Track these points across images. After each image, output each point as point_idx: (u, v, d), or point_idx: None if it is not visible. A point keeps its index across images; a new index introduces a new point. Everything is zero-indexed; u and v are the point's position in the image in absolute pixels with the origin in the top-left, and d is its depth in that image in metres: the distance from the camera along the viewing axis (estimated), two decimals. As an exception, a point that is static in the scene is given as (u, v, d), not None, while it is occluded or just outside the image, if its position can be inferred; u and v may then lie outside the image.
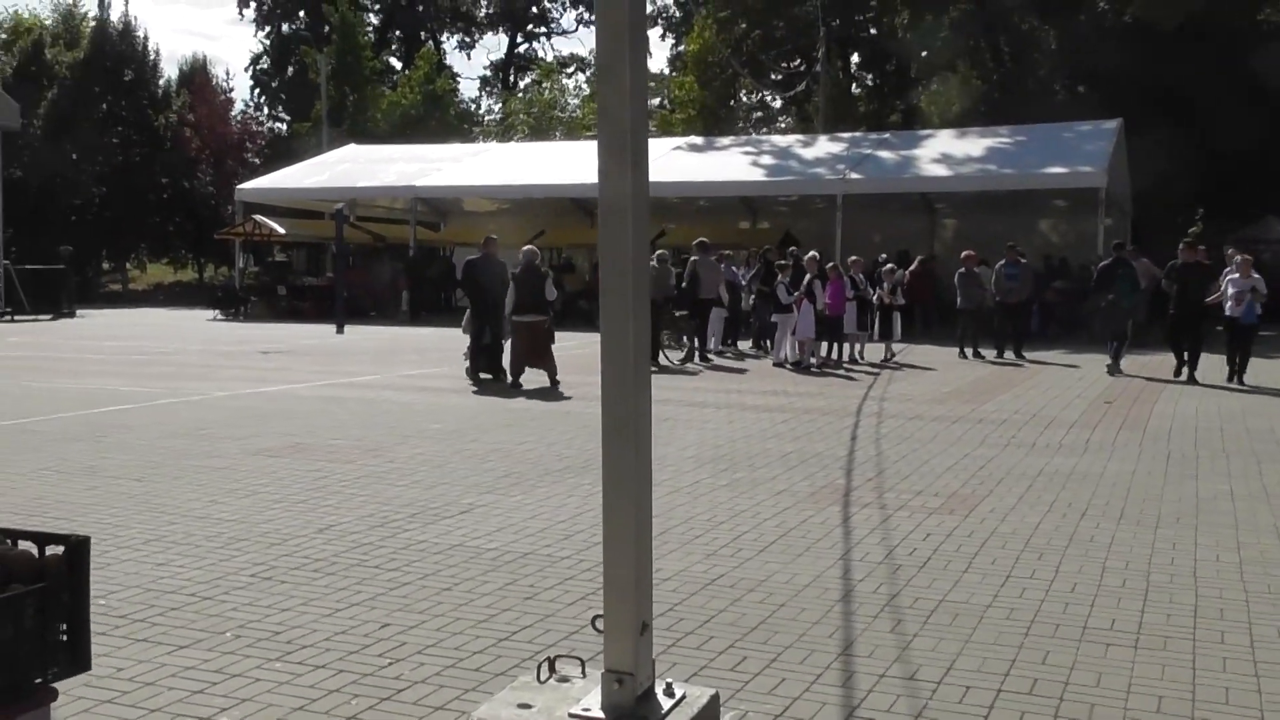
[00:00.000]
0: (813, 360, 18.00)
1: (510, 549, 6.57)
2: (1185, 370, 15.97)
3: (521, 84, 66.67)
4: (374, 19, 62.78)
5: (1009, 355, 19.44)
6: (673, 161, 29.59)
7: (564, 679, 4.12)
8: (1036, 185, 26.31)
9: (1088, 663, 4.84)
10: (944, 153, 28.26)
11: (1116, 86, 33.58)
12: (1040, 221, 29.95)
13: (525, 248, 15.92)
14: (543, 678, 4.11)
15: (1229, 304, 15.53)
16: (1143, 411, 12.85)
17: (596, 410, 3.89)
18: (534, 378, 14.80)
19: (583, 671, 4.13)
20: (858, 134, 34.67)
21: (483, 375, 15.16)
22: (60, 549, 2.99)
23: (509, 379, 14.81)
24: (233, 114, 50.07)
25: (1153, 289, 20.17)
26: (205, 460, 9.21)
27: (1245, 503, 8.09)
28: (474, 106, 64.82)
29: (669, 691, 4.03)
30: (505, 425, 11.40)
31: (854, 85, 52.20)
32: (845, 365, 18.36)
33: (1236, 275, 15.70)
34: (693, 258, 19.83)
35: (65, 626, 2.94)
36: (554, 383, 14.56)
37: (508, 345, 15.05)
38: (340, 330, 24.53)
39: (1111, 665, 4.82)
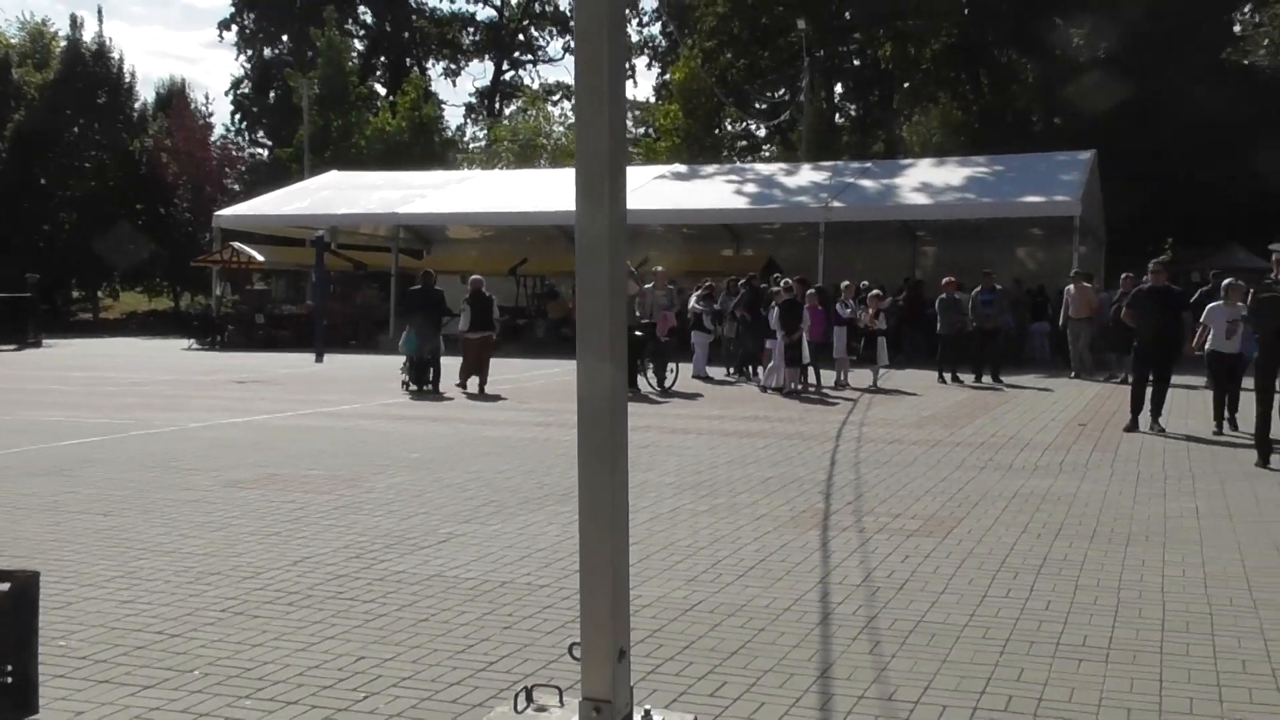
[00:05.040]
0: (794, 385, 18.05)
1: (489, 578, 6.56)
2: (1150, 417, 13.28)
3: (507, 111, 66.98)
4: (359, 45, 62.99)
5: (986, 379, 19.56)
6: (657, 189, 29.72)
7: (541, 708, 4.12)
8: (1014, 214, 26.55)
9: (1061, 678, 4.90)
10: (924, 182, 28.46)
11: (1091, 118, 34.05)
12: (1018, 249, 30.18)
13: (473, 277, 18.93)
14: (520, 708, 4.11)
15: (1214, 337, 12.92)
16: (1114, 434, 12.92)
17: (576, 438, 3.91)
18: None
19: (560, 701, 4.13)
20: (840, 163, 34.93)
21: (424, 387, 17.60)
22: (5, 586, 2.84)
23: (432, 384, 17.73)
24: (212, 139, 50.02)
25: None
26: (176, 493, 9.12)
27: (1210, 521, 8.21)
28: (459, 134, 65.09)
29: (647, 718, 4.04)
30: (484, 454, 11.39)
31: (837, 115, 52.71)
32: (825, 391, 18.40)
33: (1222, 303, 13.11)
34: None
35: (10, 669, 2.80)
36: (481, 389, 17.44)
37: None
38: (320, 359, 24.47)
39: (1083, 680, 4.88)
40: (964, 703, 4.63)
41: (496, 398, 17.13)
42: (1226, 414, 13.17)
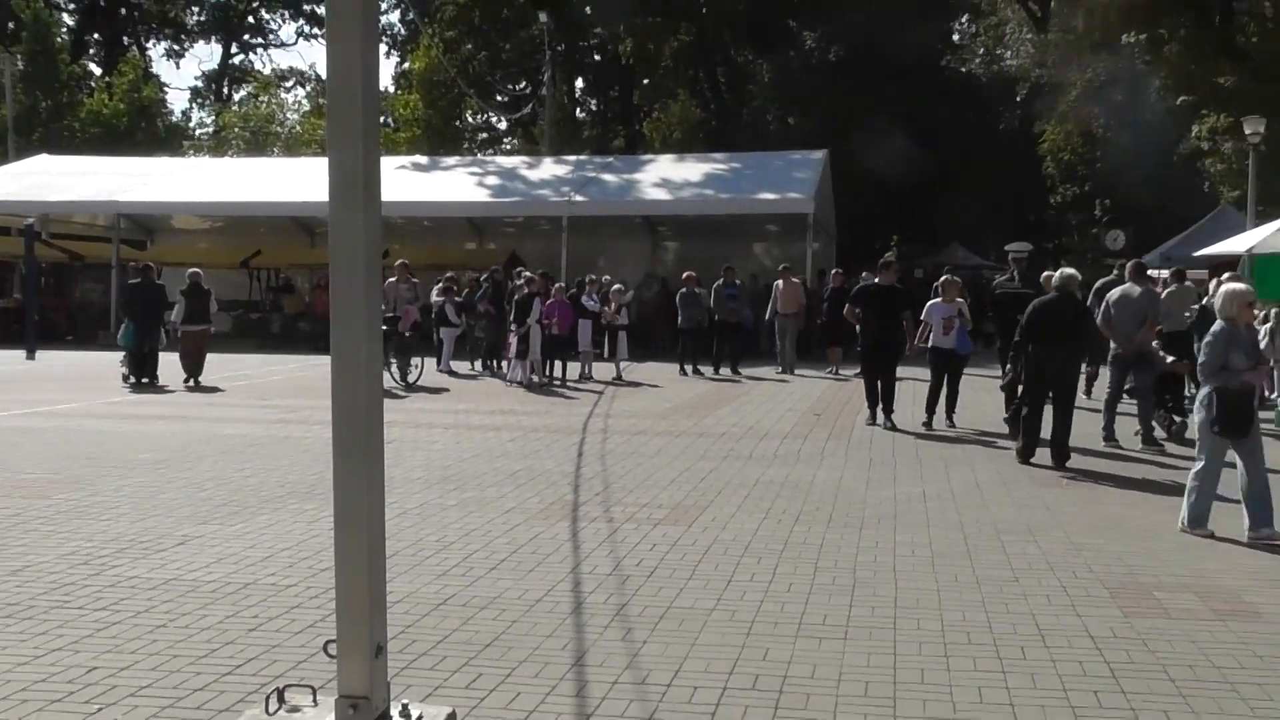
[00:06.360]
0: (534, 378, 18.15)
1: (231, 580, 6.32)
2: (880, 413, 13.42)
3: (236, 96, 64.13)
4: (69, 19, 58.75)
5: (725, 371, 20.22)
6: (397, 181, 29.16)
7: (295, 709, 4.01)
8: (751, 210, 27.52)
9: (804, 656, 5.16)
10: (665, 177, 29.12)
11: (823, 119, 35.82)
12: (755, 244, 31.31)
13: (190, 270, 18.66)
14: (272, 709, 3.98)
15: (935, 333, 13.21)
16: (847, 423, 13.63)
17: (318, 434, 3.85)
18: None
19: (314, 700, 4.03)
20: (582, 157, 35.29)
21: (143, 380, 17.38)
22: None
23: (149, 379, 17.47)
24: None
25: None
26: (-123, 498, 8.35)
27: (936, 503, 8.80)
28: (185, 119, 61.83)
29: (405, 713, 3.99)
30: (221, 452, 10.91)
31: (579, 109, 53.22)
32: (570, 384, 18.59)
33: (939, 300, 13.37)
34: None
35: None
36: (196, 382, 17.42)
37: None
38: (31, 355, 22.77)
39: (824, 657, 5.16)
40: (714, 683, 4.81)
41: (214, 390, 16.97)
42: (945, 408, 13.31)
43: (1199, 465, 7.82)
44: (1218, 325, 7.86)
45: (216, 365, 18.53)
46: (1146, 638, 5.44)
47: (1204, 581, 6.49)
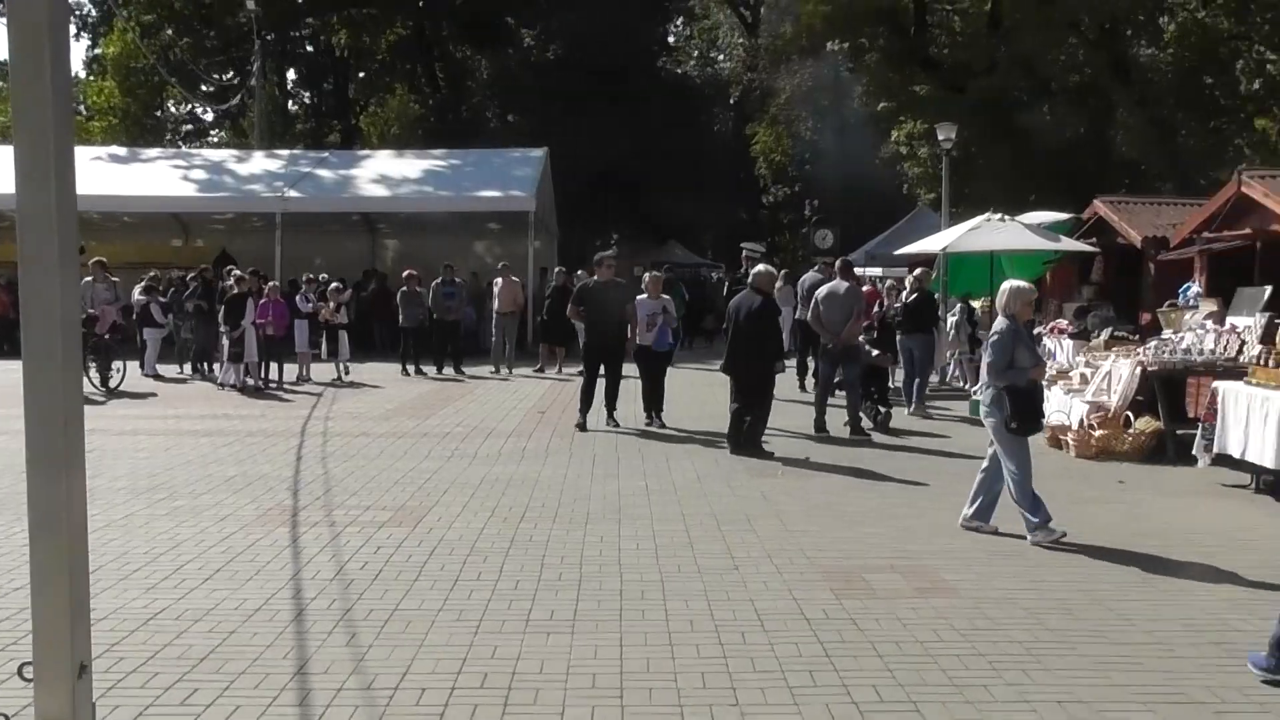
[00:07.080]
0: (248, 381, 17.43)
1: (-95, 605, 5.77)
2: (606, 412, 13.24)
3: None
4: None
5: (449, 371, 20.06)
6: (93, 173, 27.23)
7: (-17, 740, 3.72)
8: (471, 208, 27.37)
9: (532, 652, 5.20)
10: (383, 174, 28.54)
11: (542, 117, 36.11)
12: (476, 243, 31.18)
13: None
14: (-44, 742, 3.68)
15: (639, 329, 13.15)
16: (571, 420, 13.73)
17: (5, 444, 3.57)
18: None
19: (6, 728, 3.75)
20: (296, 151, 34.11)
21: None
22: None
23: None
24: None
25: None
26: None
27: (658, 496, 9.04)
28: None
29: (111, 736, 3.78)
30: (-108, 466, 9.91)
31: (291, 102, 51.44)
32: (287, 386, 17.96)
33: (645, 296, 13.40)
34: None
35: None
36: None
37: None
38: None
39: (553, 652, 5.21)
40: (442, 684, 4.78)
41: None
42: (655, 404, 13.30)
43: (1008, 469, 7.49)
44: (1002, 324, 7.59)
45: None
46: (856, 617, 5.78)
47: (908, 562, 6.94)
